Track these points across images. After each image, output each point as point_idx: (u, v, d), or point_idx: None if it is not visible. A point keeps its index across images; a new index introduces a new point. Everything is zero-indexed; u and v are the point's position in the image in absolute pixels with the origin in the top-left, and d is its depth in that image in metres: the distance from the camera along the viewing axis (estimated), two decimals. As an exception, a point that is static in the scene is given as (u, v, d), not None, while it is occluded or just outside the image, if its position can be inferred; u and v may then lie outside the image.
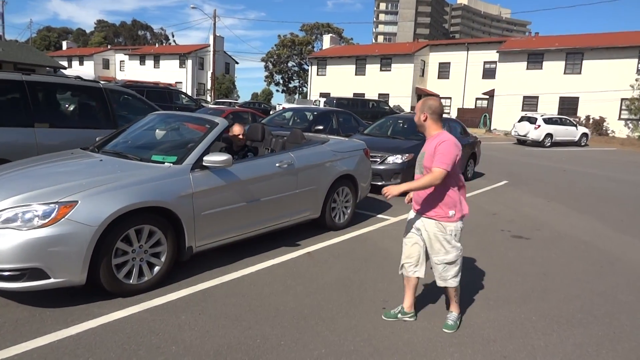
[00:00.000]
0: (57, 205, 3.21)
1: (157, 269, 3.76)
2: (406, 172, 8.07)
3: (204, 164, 4.02)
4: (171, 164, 3.96)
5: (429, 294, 4.01)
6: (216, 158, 4.02)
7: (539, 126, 22.93)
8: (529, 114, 25.24)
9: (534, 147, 22.50)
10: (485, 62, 37.15)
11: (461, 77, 38.59)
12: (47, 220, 3.15)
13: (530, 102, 32.89)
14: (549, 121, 23.45)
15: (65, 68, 31.66)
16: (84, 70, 51.72)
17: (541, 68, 32.38)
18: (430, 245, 3.29)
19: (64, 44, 65.29)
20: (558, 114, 27.67)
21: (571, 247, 5.75)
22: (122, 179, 3.60)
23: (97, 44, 70.63)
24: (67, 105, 6.42)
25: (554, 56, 31.81)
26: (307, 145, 5.55)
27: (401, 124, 10.26)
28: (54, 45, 71.15)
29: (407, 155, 8.17)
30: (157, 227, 3.69)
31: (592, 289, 4.35)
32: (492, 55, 35.29)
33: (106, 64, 57.64)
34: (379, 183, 8.05)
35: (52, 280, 3.19)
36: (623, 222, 7.26)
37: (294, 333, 3.21)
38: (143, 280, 3.68)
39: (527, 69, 32.84)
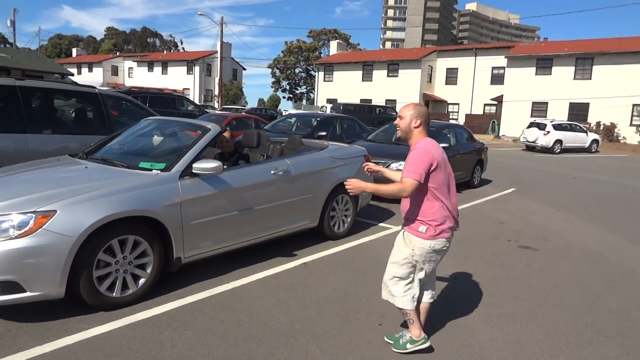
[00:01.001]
0: (34, 215, 3.06)
1: (142, 281, 3.59)
2: (410, 179, 7.86)
3: (193, 171, 3.85)
4: (159, 171, 3.80)
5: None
6: (206, 165, 3.85)
7: (548, 132, 22.58)
8: (538, 120, 24.91)
9: (543, 153, 22.15)
10: (493, 68, 36.83)
11: (469, 82, 38.28)
12: (23, 230, 3.00)
13: (539, 108, 32.50)
14: (558, 127, 23.10)
15: (73, 75, 31.87)
16: (93, 77, 52.16)
17: (550, 73, 32.00)
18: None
19: (74, 51, 65.99)
20: (568, 120, 27.26)
21: (581, 258, 5.50)
22: (105, 187, 3.43)
23: (107, 51, 71.31)
24: (61, 111, 6.30)
25: (563, 61, 31.42)
26: (304, 151, 5.37)
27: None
28: (65, 53, 71.89)
29: (410, 161, 7.96)
30: (143, 237, 3.52)
31: (604, 305, 4.10)
32: (500, 60, 34.98)
33: (115, 71, 58.08)
34: (382, 190, 7.84)
35: (28, 294, 3.03)
36: (636, 232, 6.98)
37: (282, 351, 3.01)
38: (127, 293, 3.51)
39: (536, 74, 32.48)
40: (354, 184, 2.92)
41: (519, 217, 7.54)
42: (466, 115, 37.29)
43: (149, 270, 3.61)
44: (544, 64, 32.29)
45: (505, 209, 8.18)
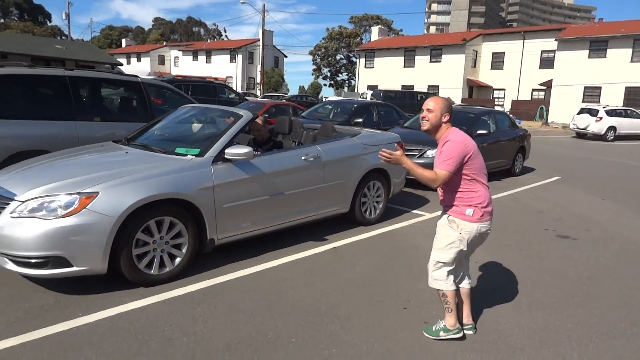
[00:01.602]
0: (79, 196, 3.29)
1: (178, 260, 3.79)
2: (446, 166, 7.76)
3: (226, 156, 4.00)
4: (193, 157, 3.97)
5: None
6: (237, 151, 3.99)
7: (601, 118, 21.46)
8: (590, 105, 23.72)
9: (594, 141, 21.10)
10: (542, 51, 35.24)
11: (516, 67, 36.82)
12: (69, 210, 3.24)
13: (592, 93, 30.86)
14: (612, 113, 21.89)
15: (122, 65, 33.14)
16: (141, 66, 53.98)
17: (605, 56, 30.26)
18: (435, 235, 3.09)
19: (124, 42, 68.43)
20: (623, 106, 25.79)
21: (623, 250, 5.29)
22: (143, 171, 3.64)
23: (154, 41, 73.41)
24: (107, 99, 6.64)
25: (619, 43, 29.60)
26: (337, 138, 5.42)
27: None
28: (115, 43, 74.66)
29: (447, 148, 7.84)
30: (178, 219, 3.72)
31: (642, 297, 3.96)
32: (550, 43, 33.39)
33: (162, 60, 59.84)
34: (417, 177, 7.79)
35: (74, 268, 3.28)
36: (687, 223, 6.61)
37: (307, 330, 3.13)
38: (164, 271, 3.72)
39: (589, 57, 30.80)
40: (392, 153, 2.88)
41: (560, 206, 7.29)
42: (512, 101, 35.98)
43: (184, 250, 3.81)
44: (598, 47, 30.56)
45: (546, 197, 7.93)
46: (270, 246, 4.65)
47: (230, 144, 4.11)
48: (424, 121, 3.01)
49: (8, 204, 3.34)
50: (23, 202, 3.29)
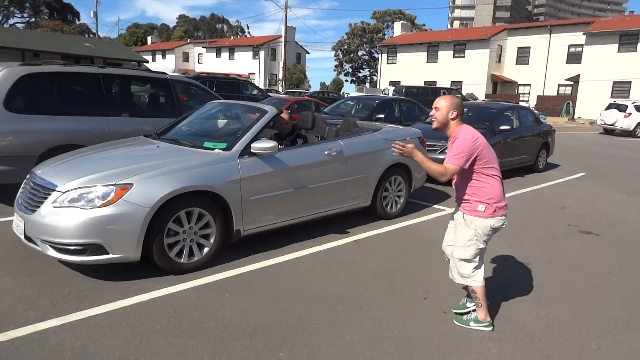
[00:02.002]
0: (114, 187, 3.49)
1: (206, 250, 3.97)
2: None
3: (251, 150, 4.16)
4: (220, 151, 4.14)
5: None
6: (263, 145, 4.14)
7: (630, 114, 20.96)
8: (619, 100, 23.15)
9: (623, 137, 20.63)
10: (570, 46, 34.47)
11: (542, 62, 36.12)
12: (105, 200, 3.44)
13: (621, 88, 30.09)
14: (641, 109, 21.33)
15: (147, 62, 33.83)
16: (166, 63, 54.94)
17: (635, 50, 29.50)
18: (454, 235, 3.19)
19: (149, 39, 69.65)
20: (654, 101, 25.05)
21: (647, 245, 5.26)
22: (174, 164, 3.82)
23: (178, 38, 74.50)
24: (137, 96, 6.89)
25: (651, 36, 28.77)
26: (359, 133, 5.53)
27: (466, 113, 9.84)
28: (141, 41, 76.00)
29: (469, 144, 7.85)
30: (206, 210, 3.89)
31: (664, 292, 3.96)
32: (578, 37, 32.66)
33: (186, 57, 60.73)
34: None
35: (110, 255, 3.49)
36: None
37: (330, 317, 3.26)
38: (193, 260, 3.90)
39: (619, 51, 30.08)
40: (404, 145, 2.97)
41: (584, 203, 7.24)
42: (538, 96, 35.34)
43: (212, 240, 3.98)
44: (628, 40, 29.77)
45: (570, 193, 7.87)
46: (294, 238, 4.80)
47: (255, 138, 4.26)
48: (432, 119, 3.12)
49: (50, 194, 3.56)
50: (64, 192, 3.50)
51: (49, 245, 3.48)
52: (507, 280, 4.08)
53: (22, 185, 4.04)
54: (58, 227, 3.41)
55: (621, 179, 9.60)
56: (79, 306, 3.25)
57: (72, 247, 3.44)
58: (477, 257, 3.11)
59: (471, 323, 3.18)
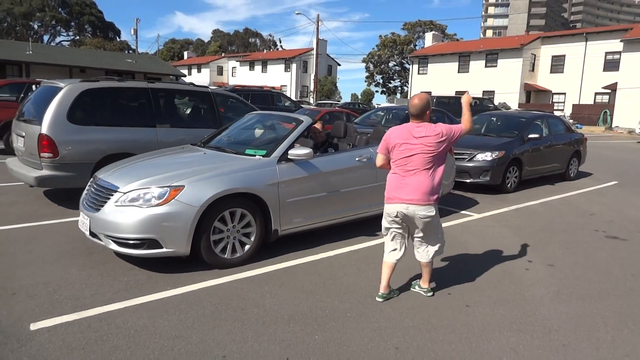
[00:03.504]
0: (169, 189, 3.93)
1: (247, 247, 4.36)
2: (496, 169, 7.95)
3: (288, 157, 4.54)
4: (261, 157, 4.54)
5: (496, 283, 4.10)
6: (299, 152, 4.52)
7: (670, 123, 20.36)
8: (658, 109, 22.52)
9: (662, 146, 20.04)
10: (607, 53, 33.74)
11: (578, 70, 35.43)
12: (161, 200, 3.89)
13: (661, 96, 29.17)
14: (683, 117, 20.70)
15: (185, 76, 35.18)
16: (201, 77, 56.73)
17: (676, 57, 28.56)
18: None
19: (185, 54, 72.11)
20: (697, 109, 24.23)
21: (675, 250, 5.31)
22: (220, 169, 4.25)
23: (213, 52, 76.84)
24: (181, 108, 7.43)
25: (693, 43, 27.86)
26: (388, 141, 5.83)
27: (495, 122, 10.01)
28: (177, 56, 78.82)
29: (497, 152, 8.03)
30: (248, 211, 4.28)
31: (686, 293, 4.07)
32: (615, 45, 31.96)
33: (220, 71, 62.53)
34: (467, 180, 8.03)
35: (164, 249, 3.92)
36: None
37: (360, 308, 3.57)
38: (236, 256, 4.29)
39: (659, 58, 29.18)
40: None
41: (614, 210, 7.28)
42: (573, 105, 34.64)
43: (252, 239, 4.37)
44: (669, 47, 28.90)
45: (600, 201, 7.90)
46: (327, 239, 5.13)
47: (292, 146, 4.65)
48: None
49: (112, 194, 4.04)
50: (125, 193, 3.97)
51: (111, 240, 3.94)
52: (529, 278, 4.28)
53: (87, 188, 4.55)
54: (120, 223, 3.87)
55: (656, 188, 9.49)
56: (137, 293, 3.68)
57: (132, 242, 3.89)
58: (387, 237, 3.77)
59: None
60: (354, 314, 3.47)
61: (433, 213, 3.53)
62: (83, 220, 4.21)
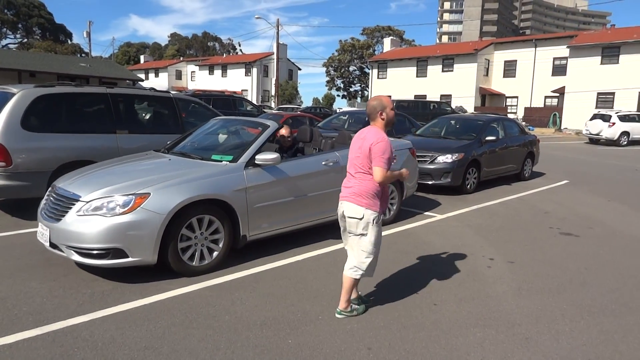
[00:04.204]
0: (134, 197, 3.84)
1: (215, 253, 4.31)
2: (456, 171, 8.20)
3: (256, 162, 4.53)
4: (227, 162, 4.51)
5: (461, 281, 4.24)
6: (266, 157, 4.52)
7: (614, 124, 21.67)
8: (602, 111, 23.94)
9: (607, 146, 21.27)
10: (555, 59, 35.46)
11: (529, 75, 37.06)
12: (126, 208, 3.79)
13: (605, 99, 30.97)
14: (625, 118, 22.09)
15: (142, 80, 34.27)
16: (159, 81, 55.46)
17: (618, 62, 30.40)
18: None
19: (142, 58, 70.28)
20: (637, 111, 25.86)
21: (623, 245, 5.66)
22: (186, 175, 4.19)
23: (170, 56, 75.23)
24: (142, 114, 7.26)
25: (632, 49, 29.73)
26: (353, 145, 5.92)
27: (454, 124, 10.33)
28: (133, 60, 76.68)
29: (457, 154, 8.29)
30: (216, 217, 4.24)
31: (635, 285, 4.35)
32: (562, 50, 33.65)
33: (179, 75, 61.32)
34: (429, 182, 8.24)
35: (130, 259, 3.82)
36: (689, 222, 6.93)
37: (331, 310, 3.60)
38: (204, 263, 4.24)
39: (602, 63, 30.98)
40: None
41: (566, 207, 7.66)
42: (525, 108, 36.17)
43: (220, 245, 4.33)
44: (610, 52, 30.72)
45: (554, 199, 8.30)
46: (295, 243, 5.15)
47: (259, 151, 4.64)
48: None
49: (74, 204, 3.90)
50: (87, 202, 3.85)
51: (74, 251, 3.81)
52: (491, 276, 4.45)
53: (45, 198, 4.38)
54: (83, 233, 3.75)
55: (603, 186, 10.07)
56: (103, 305, 3.57)
57: (96, 252, 3.77)
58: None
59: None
60: (325, 316, 3.50)
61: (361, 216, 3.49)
62: (42, 231, 4.05)
